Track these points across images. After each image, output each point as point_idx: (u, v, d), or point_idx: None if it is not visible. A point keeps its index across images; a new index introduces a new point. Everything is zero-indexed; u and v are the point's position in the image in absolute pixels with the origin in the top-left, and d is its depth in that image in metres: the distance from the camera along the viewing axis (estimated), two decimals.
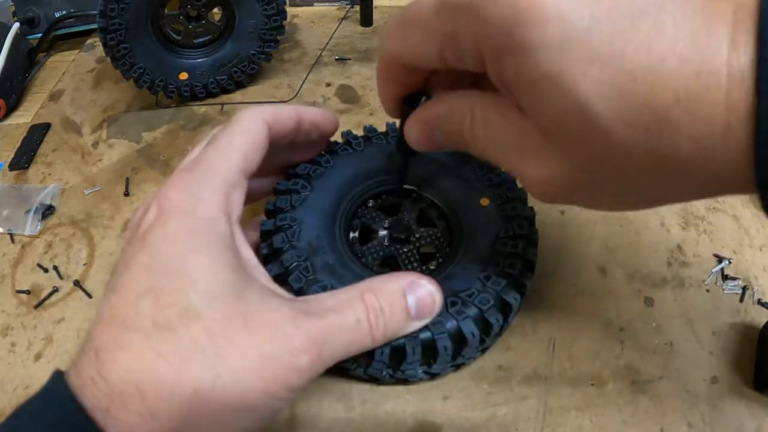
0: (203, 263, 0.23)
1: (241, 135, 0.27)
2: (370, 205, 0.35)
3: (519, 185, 0.32)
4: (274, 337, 0.22)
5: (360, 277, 0.29)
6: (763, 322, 0.33)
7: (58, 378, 0.21)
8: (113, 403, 0.20)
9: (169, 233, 0.23)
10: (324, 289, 0.28)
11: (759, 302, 0.35)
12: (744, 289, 0.36)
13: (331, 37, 0.59)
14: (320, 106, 0.51)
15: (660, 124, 0.16)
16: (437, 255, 0.33)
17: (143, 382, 0.20)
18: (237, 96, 0.52)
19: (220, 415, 0.21)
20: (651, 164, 0.18)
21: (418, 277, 0.26)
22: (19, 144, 0.49)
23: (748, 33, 0.15)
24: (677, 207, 0.40)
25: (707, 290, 0.36)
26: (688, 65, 0.16)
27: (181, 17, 0.49)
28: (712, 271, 0.37)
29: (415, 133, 0.26)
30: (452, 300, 0.28)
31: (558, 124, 0.18)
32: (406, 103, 0.27)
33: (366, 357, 0.28)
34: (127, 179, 0.45)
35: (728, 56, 0.15)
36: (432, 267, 0.32)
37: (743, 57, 0.15)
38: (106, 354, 0.21)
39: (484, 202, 0.32)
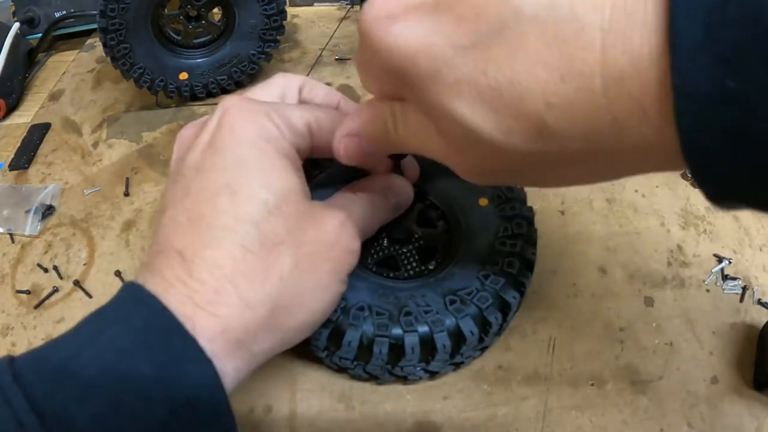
0: (275, 165, 0.25)
1: (324, 109, 0.29)
2: None
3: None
4: (336, 226, 0.25)
5: (359, 277, 0.29)
6: (763, 322, 0.33)
7: (132, 286, 0.22)
8: (207, 298, 0.22)
9: (238, 136, 0.25)
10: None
11: (759, 302, 0.35)
12: (744, 289, 0.35)
13: (331, 37, 0.59)
14: None
15: (539, 128, 0.17)
16: (437, 255, 0.33)
17: (236, 276, 0.22)
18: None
19: (300, 298, 0.24)
20: (547, 159, 0.18)
21: (391, 174, 0.31)
22: (19, 144, 0.49)
23: (626, 31, 0.15)
24: (677, 207, 0.40)
25: (707, 290, 0.36)
26: (554, 72, 0.16)
27: (181, 17, 0.49)
28: (712, 271, 0.37)
29: (344, 146, 0.26)
30: (451, 298, 0.28)
31: (454, 137, 0.20)
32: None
33: (365, 355, 0.28)
34: (127, 179, 0.45)
35: (602, 58, 0.15)
36: (432, 267, 0.32)
37: (622, 56, 0.15)
38: (193, 253, 0.22)
39: (483, 202, 0.32)
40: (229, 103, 0.26)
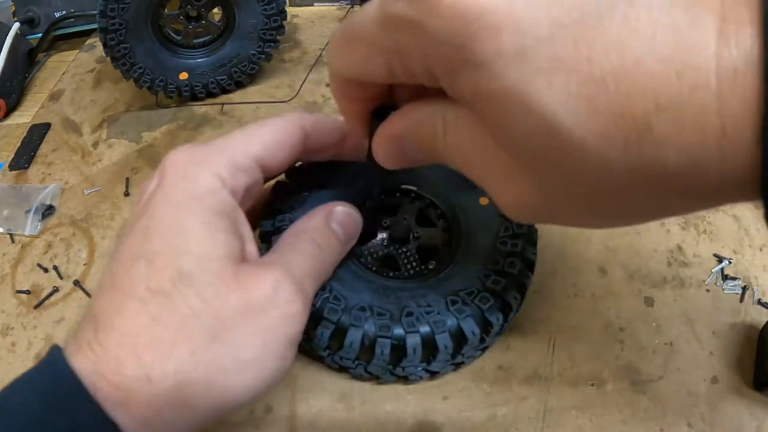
0: (198, 226, 0.23)
1: (269, 127, 0.27)
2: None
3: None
4: (267, 290, 0.23)
5: (359, 278, 0.29)
6: (763, 322, 0.33)
7: (55, 350, 0.22)
8: (108, 366, 0.20)
9: (169, 198, 0.23)
10: (323, 289, 0.28)
11: (759, 302, 0.35)
12: (744, 289, 0.35)
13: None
14: (320, 107, 0.51)
15: (640, 136, 0.14)
16: (437, 254, 0.33)
17: (140, 346, 0.21)
18: (237, 96, 0.52)
19: (218, 375, 0.21)
20: (634, 180, 0.15)
21: (331, 205, 0.28)
22: (19, 144, 0.49)
23: (741, 22, 0.13)
24: None
25: (707, 290, 0.36)
26: (668, 65, 0.14)
27: (181, 17, 0.49)
28: (712, 271, 0.37)
29: (384, 150, 0.23)
30: (452, 299, 0.28)
31: (525, 143, 0.16)
32: (375, 119, 0.24)
33: (366, 355, 0.28)
34: (127, 179, 0.45)
35: (717, 50, 0.13)
36: (432, 266, 0.32)
37: (735, 50, 0.13)
38: (104, 319, 0.21)
39: (484, 201, 0.32)
40: (170, 157, 0.25)
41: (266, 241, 0.30)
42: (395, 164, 0.24)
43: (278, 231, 0.30)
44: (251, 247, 0.26)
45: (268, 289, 0.23)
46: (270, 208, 0.31)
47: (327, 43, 0.58)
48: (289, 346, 0.23)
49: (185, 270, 0.22)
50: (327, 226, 0.27)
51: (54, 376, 0.20)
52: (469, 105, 0.18)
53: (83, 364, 0.20)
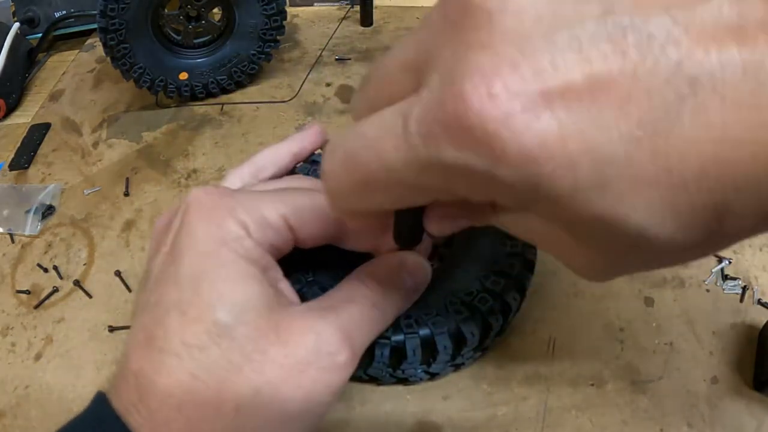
0: (231, 275, 0.22)
1: (309, 198, 0.25)
2: None
3: None
4: (309, 341, 0.22)
5: None
6: (763, 322, 0.33)
7: (102, 401, 0.21)
8: (159, 428, 0.20)
9: (195, 243, 0.22)
10: (324, 290, 0.28)
11: (759, 302, 0.35)
12: (744, 289, 0.35)
13: (331, 37, 0.59)
14: (320, 107, 0.51)
15: (721, 218, 0.14)
16: (436, 255, 0.33)
17: (185, 406, 0.20)
18: (237, 96, 0.52)
19: (263, 429, 0.21)
20: (709, 246, 0.16)
21: (403, 254, 0.26)
22: (19, 144, 0.49)
23: None
24: None
25: (707, 290, 0.36)
26: (743, 149, 0.13)
27: (181, 17, 0.49)
28: (712, 271, 0.37)
29: (438, 227, 0.21)
30: (452, 300, 0.28)
31: (606, 248, 0.16)
32: (399, 217, 0.23)
33: (366, 357, 0.28)
34: (127, 179, 0.45)
35: None
36: (433, 266, 0.32)
37: None
38: (144, 379, 0.21)
39: None
40: (193, 197, 0.24)
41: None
42: (447, 233, 0.22)
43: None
44: (289, 294, 0.25)
45: (310, 340, 0.22)
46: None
47: (328, 42, 0.58)
48: (332, 396, 0.22)
49: (221, 322, 0.21)
50: (396, 274, 0.26)
51: None
52: None
53: (133, 425, 0.20)
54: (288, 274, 0.28)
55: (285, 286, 0.26)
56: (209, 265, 0.22)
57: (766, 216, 0.15)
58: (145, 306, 0.22)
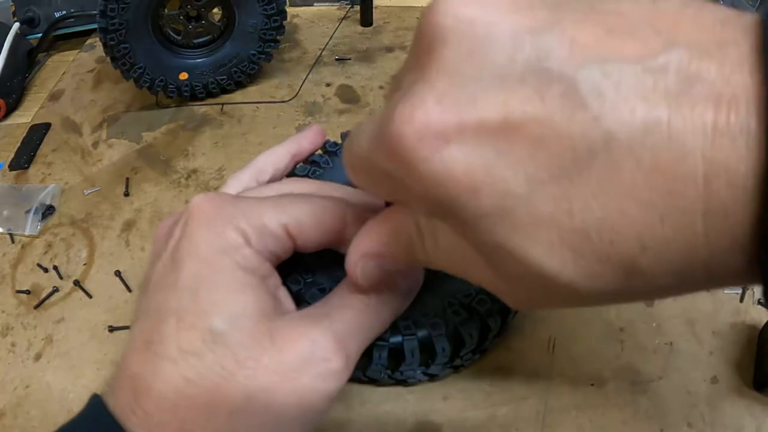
0: (228, 283, 0.22)
1: (311, 204, 0.25)
2: None
3: None
4: (303, 348, 0.22)
5: None
6: (763, 322, 0.33)
7: (98, 403, 0.21)
8: (154, 431, 0.20)
9: (195, 250, 0.23)
10: (323, 291, 0.28)
11: (759, 302, 0.35)
12: (744, 289, 0.35)
13: (331, 37, 0.59)
14: (320, 107, 0.51)
15: (627, 273, 0.15)
16: None
17: (179, 410, 0.20)
18: (237, 96, 0.52)
19: None
20: (625, 296, 0.16)
21: None
22: (19, 144, 0.49)
23: (729, 162, 0.13)
24: None
25: (707, 290, 0.36)
26: (652, 211, 0.13)
27: (181, 17, 0.49)
28: None
29: (361, 269, 0.22)
30: (450, 301, 0.28)
31: (515, 279, 0.17)
32: None
33: (364, 359, 0.28)
34: (127, 179, 0.45)
35: (705, 192, 0.13)
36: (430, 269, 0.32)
37: (726, 191, 0.13)
38: (141, 381, 0.21)
39: None
40: (195, 204, 0.24)
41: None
42: (375, 282, 0.23)
43: (288, 275, 0.28)
44: (285, 301, 0.25)
45: (304, 347, 0.22)
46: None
47: (328, 42, 0.58)
48: (326, 402, 0.22)
49: (216, 329, 0.21)
50: (390, 277, 0.25)
51: None
52: None
53: (130, 427, 0.21)
54: (286, 274, 0.28)
55: (282, 293, 0.26)
56: (207, 273, 0.22)
57: (681, 279, 0.15)
58: (144, 311, 0.23)
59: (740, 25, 0.14)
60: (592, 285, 0.15)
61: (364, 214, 0.26)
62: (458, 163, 0.15)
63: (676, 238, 0.14)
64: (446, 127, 0.15)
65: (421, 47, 0.16)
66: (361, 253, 0.22)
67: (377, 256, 0.22)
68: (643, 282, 0.15)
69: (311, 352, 0.22)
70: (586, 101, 0.14)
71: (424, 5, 0.19)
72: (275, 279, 0.25)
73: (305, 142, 0.32)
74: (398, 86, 0.18)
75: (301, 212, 0.25)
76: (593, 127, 0.14)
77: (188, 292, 0.22)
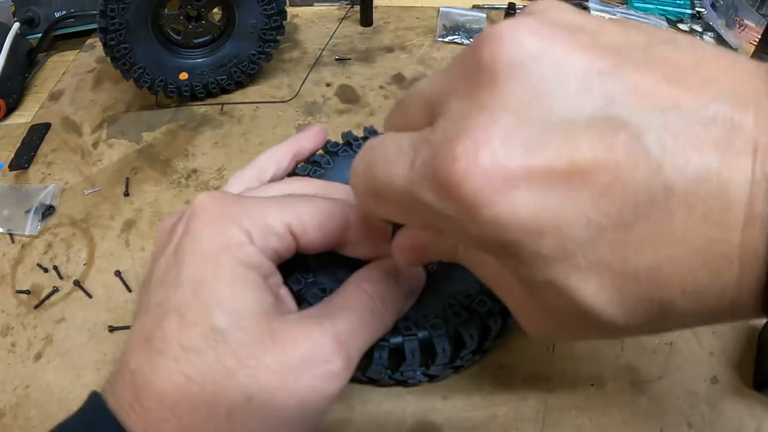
0: (229, 280, 0.22)
1: (314, 205, 0.25)
2: None
3: None
4: (304, 349, 0.22)
5: None
6: (764, 322, 0.33)
7: (97, 400, 0.21)
8: (152, 428, 0.20)
9: (198, 247, 0.23)
10: (323, 291, 0.28)
11: None
12: None
13: (331, 37, 0.59)
14: (320, 107, 0.51)
15: (664, 314, 0.16)
16: None
17: (179, 407, 0.20)
18: (237, 96, 0.52)
19: None
20: (651, 330, 0.17)
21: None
22: (19, 144, 0.49)
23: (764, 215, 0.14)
24: None
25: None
26: (697, 257, 0.14)
27: (181, 17, 0.49)
28: None
29: (404, 257, 0.24)
30: (450, 302, 0.28)
31: (555, 312, 0.18)
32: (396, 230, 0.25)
33: (365, 359, 0.28)
34: (127, 179, 0.45)
35: (742, 241, 0.14)
36: (430, 269, 0.32)
37: (759, 238, 0.14)
38: (141, 378, 0.21)
39: None
40: (199, 202, 0.24)
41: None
42: (414, 266, 0.25)
43: (289, 274, 0.28)
44: (287, 300, 0.25)
45: (305, 347, 0.22)
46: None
47: (328, 42, 0.58)
48: (326, 403, 0.23)
49: (218, 326, 0.21)
50: (393, 278, 0.26)
51: None
52: None
53: (128, 423, 0.20)
54: (288, 274, 0.28)
55: (285, 293, 0.26)
56: (210, 270, 0.22)
57: (706, 319, 0.16)
58: (146, 307, 0.23)
59: None
60: (630, 322, 0.16)
61: (365, 220, 0.26)
62: (526, 208, 0.15)
63: (714, 282, 0.14)
64: (515, 170, 0.14)
65: (481, 77, 0.16)
66: (408, 244, 0.23)
67: (421, 248, 0.23)
68: (674, 321, 0.16)
69: (312, 353, 0.22)
70: (650, 150, 0.14)
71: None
72: (277, 278, 0.25)
73: (306, 141, 0.33)
74: (440, 113, 0.17)
75: (305, 213, 0.25)
76: (656, 176, 0.14)
77: (190, 289, 0.22)
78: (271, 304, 0.23)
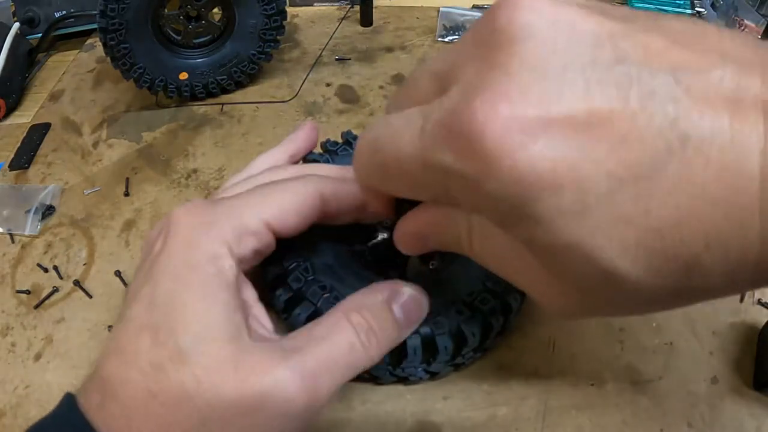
0: (198, 303, 0.22)
1: (286, 192, 0.26)
2: None
3: None
4: (264, 384, 0.21)
5: (360, 278, 0.29)
6: (763, 322, 0.33)
7: (70, 401, 0.22)
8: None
9: (171, 267, 0.23)
10: (323, 289, 0.28)
11: (759, 302, 0.35)
12: None
13: (331, 37, 0.59)
14: (320, 107, 0.51)
15: (689, 271, 0.15)
16: (438, 255, 0.33)
17: (138, 420, 0.21)
18: (237, 96, 0.52)
19: None
20: (676, 298, 0.17)
21: (399, 285, 0.25)
22: (19, 144, 0.49)
23: None
24: None
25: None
26: (718, 209, 0.14)
27: (181, 17, 0.49)
28: None
29: (405, 244, 0.24)
30: (453, 300, 0.28)
31: (578, 283, 0.17)
32: (401, 202, 0.24)
33: None
34: (127, 179, 0.45)
35: (761, 187, 0.14)
36: (433, 267, 0.32)
37: None
38: (110, 386, 0.21)
39: None
40: (174, 217, 0.24)
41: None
42: (417, 254, 0.24)
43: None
44: (261, 318, 0.25)
45: (265, 383, 0.21)
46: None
47: (328, 42, 0.58)
48: None
49: (183, 348, 0.21)
50: (386, 307, 0.24)
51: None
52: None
53: (97, 423, 0.21)
54: (289, 270, 0.28)
55: (258, 311, 0.25)
56: (180, 291, 0.22)
57: (731, 278, 0.16)
58: (125, 318, 0.23)
59: None
60: (656, 285, 0.16)
61: (340, 188, 0.26)
62: (544, 159, 0.15)
63: (736, 235, 0.15)
64: (534, 120, 0.15)
65: (497, 39, 0.16)
66: (412, 232, 0.23)
67: (423, 237, 0.23)
68: (700, 280, 0.15)
69: (273, 390, 0.21)
70: (665, 104, 0.15)
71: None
72: (251, 293, 0.25)
73: (302, 141, 0.33)
74: (453, 80, 0.17)
75: (278, 202, 0.25)
76: (671, 127, 0.14)
77: (162, 309, 0.22)
78: (239, 328, 0.22)
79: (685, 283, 0.16)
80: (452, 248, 0.22)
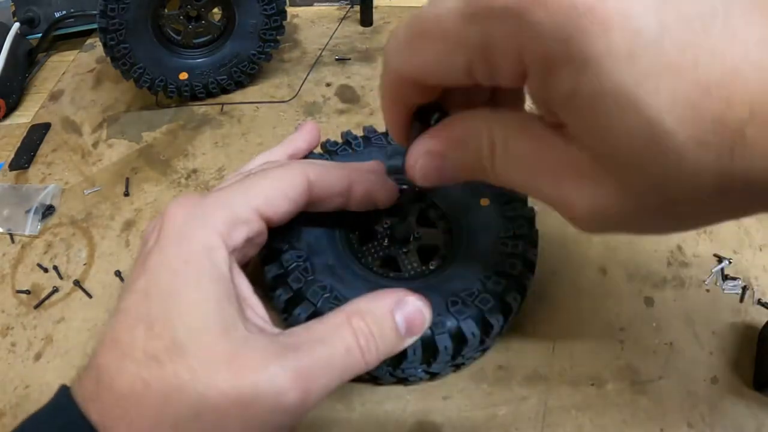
0: (192, 295, 0.22)
1: (272, 179, 0.26)
2: None
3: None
4: (258, 379, 0.21)
5: (360, 278, 0.29)
6: (763, 322, 0.33)
7: (64, 392, 0.22)
8: (107, 422, 0.21)
9: (165, 260, 0.23)
10: (323, 289, 0.28)
11: (759, 302, 0.35)
12: (744, 289, 0.35)
13: (331, 37, 0.59)
14: (320, 107, 0.51)
15: (733, 143, 0.15)
16: (437, 255, 0.33)
17: (132, 410, 0.21)
18: (237, 96, 0.52)
19: None
20: (719, 186, 0.16)
21: (405, 293, 0.25)
22: (19, 144, 0.49)
23: None
24: None
25: (707, 290, 0.36)
26: (763, 74, 0.14)
27: (181, 17, 0.49)
28: (712, 271, 0.37)
29: (421, 166, 0.22)
30: (452, 300, 0.28)
31: (621, 146, 0.16)
32: (417, 120, 0.23)
33: None
34: (127, 179, 0.45)
35: None
36: (432, 267, 0.32)
37: None
38: (105, 375, 0.22)
39: (484, 202, 0.32)
40: (168, 212, 0.24)
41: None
42: (431, 182, 0.23)
43: (278, 231, 0.29)
44: (257, 309, 0.25)
45: (258, 379, 0.21)
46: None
47: (328, 42, 0.58)
48: None
49: (178, 340, 0.21)
50: (389, 315, 0.24)
51: (68, 422, 0.21)
52: (551, 107, 0.17)
53: (92, 412, 0.21)
54: (289, 270, 0.28)
55: (254, 302, 0.26)
56: (175, 283, 0.23)
57: None
58: (121, 309, 0.23)
59: None
60: (700, 154, 0.15)
61: (326, 172, 0.27)
62: None
63: None
64: None
65: None
66: (425, 150, 0.22)
67: (441, 156, 0.22)
68: (745, 162, 0.15)
69: (265, 385, 0.21)
70: None
71: (424, 5, 0.18)
72: (247, 286, 0.26)
73: (301, 141, 0.33)
74: None
75: (266, 189, 0.26)
76: None
77: (157, 301, 0.22)
78: (234, 319, 0.22)
79: (728, 161, 0.15)
80: (471, 171, 0.21)
